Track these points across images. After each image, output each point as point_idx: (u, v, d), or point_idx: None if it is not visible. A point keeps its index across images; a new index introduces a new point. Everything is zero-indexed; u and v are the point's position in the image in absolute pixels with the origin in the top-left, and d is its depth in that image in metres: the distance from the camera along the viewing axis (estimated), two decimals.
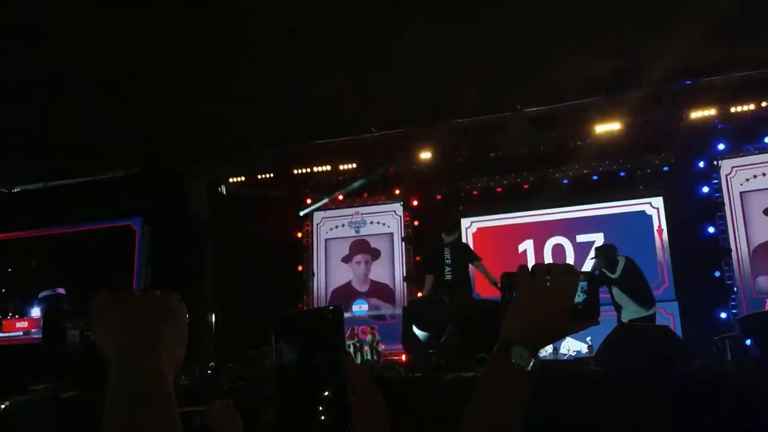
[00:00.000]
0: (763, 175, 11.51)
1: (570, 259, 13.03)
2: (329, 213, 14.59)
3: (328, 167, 13.40)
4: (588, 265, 11.76)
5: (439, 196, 13.93)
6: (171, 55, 8.67)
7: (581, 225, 13.11)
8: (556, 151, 12.30)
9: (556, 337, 1.04)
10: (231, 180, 13.82)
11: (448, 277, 8.88)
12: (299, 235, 14.49)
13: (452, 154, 12.94)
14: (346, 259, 14.33)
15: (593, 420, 4.48)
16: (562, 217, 13.30)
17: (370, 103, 10.61)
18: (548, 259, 13.25)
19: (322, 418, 0.80)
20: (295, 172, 13.51)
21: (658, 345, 4.98)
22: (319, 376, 0.78)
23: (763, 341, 5.03)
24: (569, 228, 13.20)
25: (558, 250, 13.21)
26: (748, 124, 11.21)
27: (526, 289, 1.01)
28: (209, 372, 8.39)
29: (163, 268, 13.20)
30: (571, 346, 12.54)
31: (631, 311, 6.46)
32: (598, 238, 12.82)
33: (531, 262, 13.66)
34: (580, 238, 13.02)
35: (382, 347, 12.43)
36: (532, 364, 0.97)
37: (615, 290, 6.60)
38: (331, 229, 14.57)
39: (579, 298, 1.01)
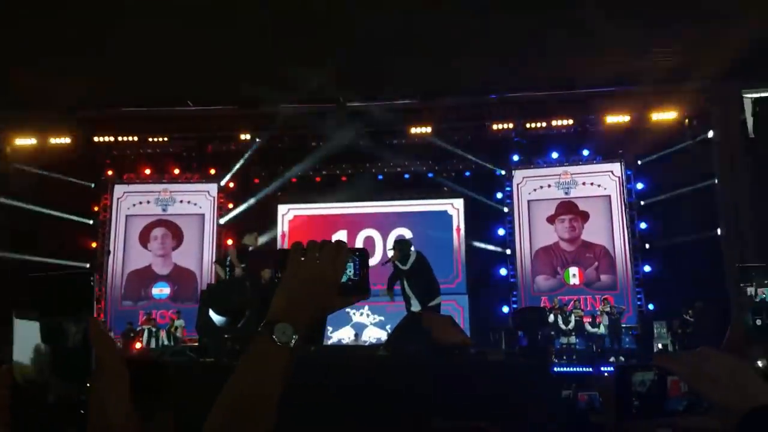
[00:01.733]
0: (549, 186, 12.99)
1: (380, 252, 13.62)
2: (133, 187, 13.52)
3: (135, 138, 12.44)
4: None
5: (257, 180, 13.66)
6: None
7: (392, 220, 13.73)
8: (374, 147, 12.72)
9: (323, 313, 1.03)
10: (18, 142, 12.18)
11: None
12: (96, 208, 13.27)
13: (274, 139, 12.77)
14: (143, 239, 13.45)
15: (380, 400, 4.68)
16: (375, 211, 13.82)
17: (190, 77, 10.04)
18: None
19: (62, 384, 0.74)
20: (96, 139, 12.33)
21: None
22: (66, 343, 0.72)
23: (529, 333, 5.67)
24: (381, 222, 13.76)
25: (369, 242, 13.70)
26: (539, 139, 12.58)
27: (293, 265, 1.01)
28: None
29: None
30: (373, 334, 13.14)
31: (417, 302, 6.92)
32: (406, 233, 13.55)
33: None
34: (391, 232, 13.65)
35: (183, 333, 11.89)
36: (294, 340, 0.96)
37: (405, 282, 7.04)
38: (134, 205, 13.49)
39: (350, 273, 1.02)
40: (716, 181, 11.06)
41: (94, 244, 13.10)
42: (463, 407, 4.69)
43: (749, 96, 10.76)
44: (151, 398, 1.31)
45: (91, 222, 13.07)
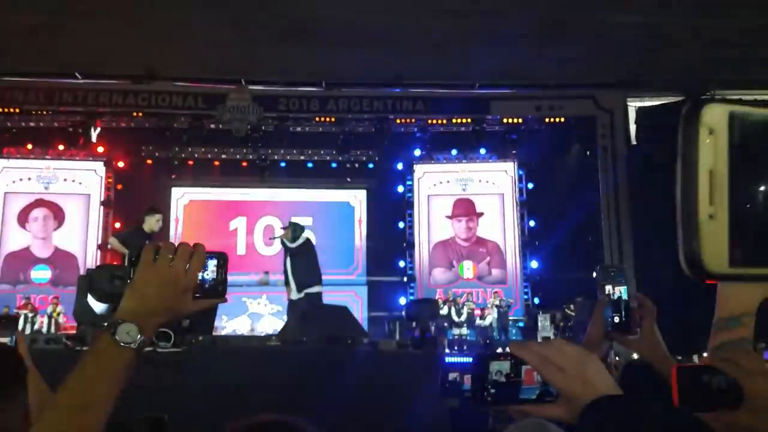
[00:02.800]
0: (447, 182, 13.35)
1: (279, 240, 13.40)
2: (13, 163, 12.45)
3: (17, 109, 11.47)
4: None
5: (150, 161, 12.99)
6: None
7: (293, 208, 13.54)
8: (276, 134, 12.49)
9: (174, 315, 1.04)
10: None
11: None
12: None
13: (169, 118, 12.19)
14: (22, 220, 12.40)
15: (271, 390, 4.62)
16: (277, 199, 13.59)
17: (79, 46, 9.38)
18: (258, 239, 13.42)
19: None
20: None
21: (336, 323, 5.40)
22: None
23: (421, 324, 5.83)
24: (282, 210, 13.52)
25: (269, 230, 13.45)
26: (440, 136, 12.89)
27: (144, 268, 1.01)
28: None
29: None
30: (270, 324, 12.93)
31: (295, 287, 6.91)
32: (308, 222, 13.44)
33: (242, 240, 13.74)
34: (292, 220, 13.46)
35: (64, 319, 11.15)
36: (139, 341, 0.97)
37: (289, 262, 7.03)
38: (13, 182, 12.42)
39: (208, 276, 1.03)
40: (600, 183, 11.89)
41: None
42: (353, 397, 4.73)
43: (633, 104, 11.61)
44: (4, 386, 1.29)
45: None
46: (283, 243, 7.26)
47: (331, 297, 11.35)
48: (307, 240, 7.33)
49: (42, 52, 9.55)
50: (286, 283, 7.13)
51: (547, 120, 12.25)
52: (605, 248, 11.73)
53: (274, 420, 1.03)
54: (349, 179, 13.45)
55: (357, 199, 13.65)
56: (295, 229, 7.33)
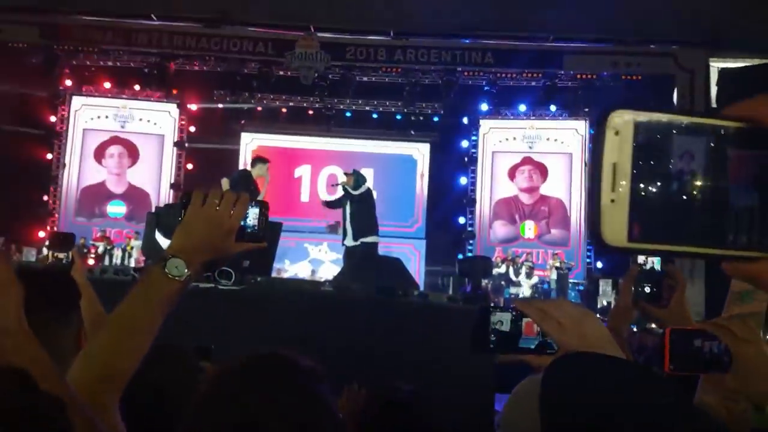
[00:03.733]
0: (514, 139, 13.02)
1: (341, 189, 13.55)
2: (92, 101, 13.02)
3: (96, 49, 11.88)
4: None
5: (221, 106, 13.29)
6: None
7: (357, 158, 13.60)
8: (343, 83, 12.45)
9: (218, 255, 1.13)
10: None
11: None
12: (52, 119, 12.80)
13: (239, 63, 12.36)
14: (98, 155, 12.98)
15: (317, 333, 4.76)
16: (341, 149, 13.68)
17: None
18: (322, 187, 13.62)
19: None
20: (55, 46, 11.74)
21: (389, 274, 5.45)
22: None
23: (473, 280, 5.80)
24: (346, 160, 13.60)
25: (332, 179, 13.58)
26: (509, 90, 12.48)
27: (194, 210, 1.11)
28: None
29: None
30: (330, 271, 13.20)
31: (352, 235, 7.01)
32: (369, 174, 13.49)
33: (305, 187, 13.97)
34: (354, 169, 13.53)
35: (138, 253, 11.78)
36: (186, 275, 1.05)
37: (347, 210, 7.12)
38: (92, 119, 13.04)
39: (250, 222, 1.11)
40: None
41: (48, 156, 12.71)
42: (399, 347, 4.80)
43: (716, 65, 10.83)
44: (55, 305, 1.36)
45: (43, 132, 12.60)
46: (344, 189, 7.36)
47: (388, 249, 11.48)
48: (368, 189, 7.41)
49: None
50: (343, 231, 7.25)
51: (623, 77, 11.64)
52: None
53: (272, 354, 1.06)
54: (413, 132, 13.33)
55: (420, 152, 13.55)
56: (357, 177, 7.41)
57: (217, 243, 1.10)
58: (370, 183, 13.07)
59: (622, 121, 0.50)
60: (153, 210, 10.07)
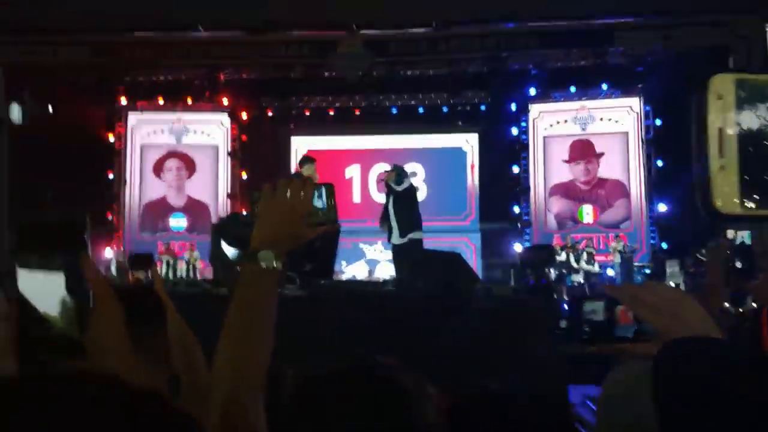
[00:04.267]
0: (565, 122, 12.71)
1: None
2: (147, 116, 13.42)
3: (148, 64, 12.20)
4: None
5: (270, 111, 13.50)
6: None
7: (406, 155, 13.57)
8: (388, 79, 12.42)
9: (300, 240, 1.15)
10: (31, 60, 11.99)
11: None
12: (111, 137, 13.26)
13: (284, 68, 12.49)
14: (157, 170, 13.40)
15: (390, 336, 4.77)
16: (389, 146, 13.67)
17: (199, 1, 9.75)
18: (373, 186, 13.66)
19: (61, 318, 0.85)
20: (108, 65, 12.10)
21: (450, 270, 5.41)
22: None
23: (536, 270, 5.69)
24: (395, 157, 13.58)
25: (380, 176, 13.59)
26: (557, 72, 12.14)
27: (266, 202, 1.13)
28: None
29: None
30: (387, 270, 13.24)
31: (398, 231, 6.94)
32: (419, 169, 13.46)
33: (357, 189, 14.02)
34: (405, 167, 13.48)
35: (201, 265, 12.10)
36: (278, 263, 1.08)
37: (391, 207, 7.06)
38: (149, 135, 13.46)
39: (318, 204, 1.14)
40: None
41: (109, 174, 13.15)
42: (466, 343, 4.76)
43: None
44: (148, 323, 1.39)
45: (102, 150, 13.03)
46: (387, 185, 7.29)
47: (443, 244, 11.42)
48: (411, 185, 7.34)
49: (168, 7, 10.00)
50: (389, 226, 7.19)
51: (677, 50, 11.16)
52: None
53: (359, 363, 1.06)
54: (460, 123, 13.20)
55: (469, 143, 13.40)
56: (399, 173, 7.34)
57: (295, 228, 1.13)
58: (420, 178, 13.14)
59: (724, 84, 0.48)
60: (214, 221, 10.32)
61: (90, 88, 12.31)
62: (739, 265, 1.59)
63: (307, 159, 7.31)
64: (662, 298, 0.86)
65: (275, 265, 1.08)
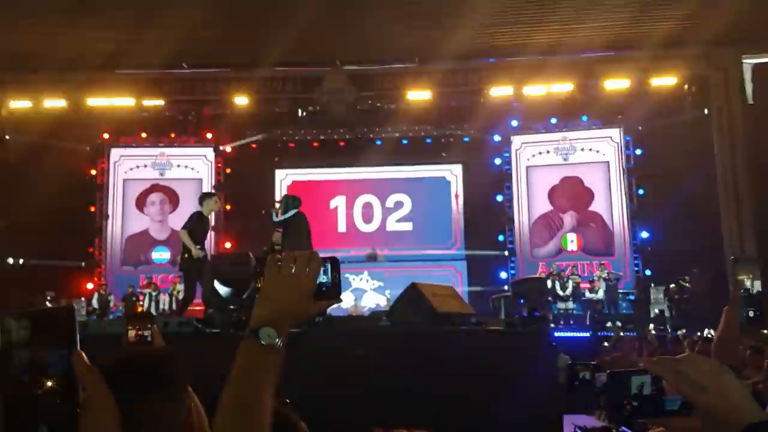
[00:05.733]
0: (548, 152, 12.93)
1: (378, 217, 13.65)
2: (129, 151, 13.38)
3: (132, 101, 12.23)
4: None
5: (254, 145, 13.53)
6: None
7: (390, 186, 13.71)
8: (372, 112, 12.58)
9: (301, 317, 1.13)
10: (13, 105, 11.98)
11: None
12: (93, 172, 13.16)
13: (270, 103, 12.59)
14: (140, 204, 13.31)
15: (384, 369, 4.75)
16: (374, 177, 13.78)
17: (182, 38, 9.82)
18: (358, 216, 13.71)
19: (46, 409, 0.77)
20: (91, 104, 12.11)
21: (441, 302, 5.42)
22: (50, 374, 0.73)
23: (530, 302, 5.72)
24: (379, 188, 13.73)
25: (367, 208, 13.70)
26: (538, 104, 12.41)
27: (271, 276, 1.10)
28: None
29: None
30: (372, 299, 13.25)
31: None
32: (405, 199, 13.56)
33: (342, 219, 14.05)
34: (389, 198, 13.65)
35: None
36: (279, 341, 1.06)
37: (276, 234, 7.08)
38: (131, 169, 13.38)
39: (323, 279, 1.11)
40: (715, 147, 11.06)
41: (92, 208, 13.03)
42: (463, 376, 4.76)
43: (749, 62, 10.65)
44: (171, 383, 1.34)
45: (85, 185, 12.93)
46: (270, 217, 7.26)
47: (430, 273, 11.47)
48: (297, 216, 7.25)
49: (151, 45, 10.06)
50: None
51: (654, 83, 11.50)
52: (722, 216, 10.94)
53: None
54: (444, 154, 13.36)
55: (453, 173, 13.55)
56: (287, 201, 7.31)
57: (299, 305, 1.10)
58: (407, 208, 13.21)
59: None
60: (210, 259, 10.22)
61: (72, 124, 12.26)
62: (751, 314, 1.61)
63: (206, 195, 7.22)
64: (703, 372, 0.87)
65: (278, 343, 1.05)
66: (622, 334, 9.10)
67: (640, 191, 12.26)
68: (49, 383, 0.75)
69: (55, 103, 12.03)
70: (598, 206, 12.56)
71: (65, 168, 11.99)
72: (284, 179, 13.82)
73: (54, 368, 0.75)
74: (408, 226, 13.53)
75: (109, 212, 13.13)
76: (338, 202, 13.76)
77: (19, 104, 12.02)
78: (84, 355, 0.77)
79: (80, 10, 8.63)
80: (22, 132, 11.80)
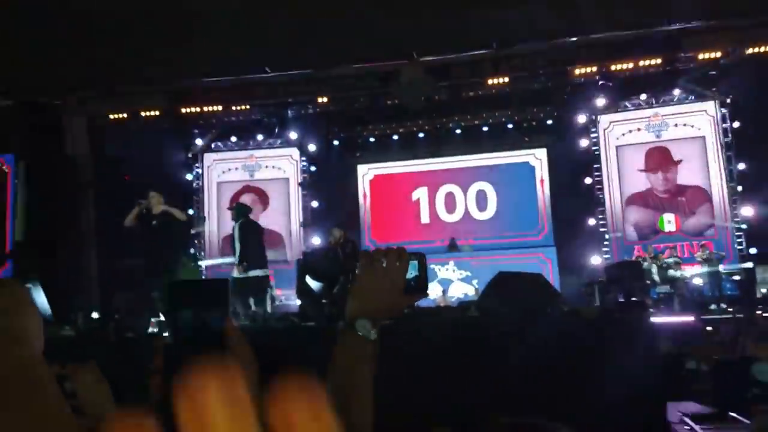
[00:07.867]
0: (638, 130, 12.38)
1: (461, 208, 13.60)
2: (221, 155, 14.09)
3: (220, 107, 12.82)
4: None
5: (336, 141, 13.88)
6: None
7: (472, 174, 13.61)
8: (450, 102, 12.51)
9: (393, 311, 1.18)
10: (112, 116, 12.86)
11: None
12: (189, 177, 13.96)
13: (349, 100, 12.81)
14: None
15: (473, 363, 4.77)
16: (455, 167, 13.73)
17: (264, 43, 10.20)
18: (441, 207, 13.71)
19: None
20: (183, 111, 12.81)
21: (533, 292, 5.33)
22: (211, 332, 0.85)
23: (624, 287, 5.53)
24: (461, 177, 13.67)
25: (450, 198, 13.68)
26: (627, 81, 11.86)
27: (364, 271, 1.16)
28: (93, 321, 8.04)
29: (39, 210, 12.13)
30: (459, 289, 13.22)
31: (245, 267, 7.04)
32: (487, 187, 13.42)
33: (425, 210, 14.12)
34: (472, 186, 13.56)
35: (277, 292, 12.44)
36: (374, 333, 1.11)
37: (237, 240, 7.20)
38: (224, 172, 14.09)
39: (411, 275, 1.16)
40: None
41: (190, 211, 13.80)
42: (558, 366, 4.69)
43: None
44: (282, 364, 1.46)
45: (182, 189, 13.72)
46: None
47: (517, 261, 11.32)
48: (247, 220, 7.41)
49: (234, 53, 10.50)
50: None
51: (750, 51, 10.70)
52: None
53: (531, 424, 1.09)
54: (527, 138, 13.09)
55: (537, 158, 13.26)
56: (238, 210, 7.48)
57: (390, 299, 1.16)
58: (492, 197, 13.07)
59: None
60: (302, 256, 10.62)
61: (167, 132, 13.03)
62: None
63: (152, 192, 7.53)
64: None
65: (372, 335, 1.11)
66: (728, 317, 8.61)
67: (741, 166, 11.49)
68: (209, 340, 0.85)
69: (149, 113, 12.77)
70: (696, 182, 11.91)
71: (166, 177, 12.76)
72: (366, 174, 14.05)
73: (212, 328, 0.84)
74: (492, 214, 13.40)
75: (206, 214, 13.87)
76: (420, 193, 13.82)
77: (118, 116, 12.82)
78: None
79: (163, 29, 9.18)
80: (121, 144, 12.65)
